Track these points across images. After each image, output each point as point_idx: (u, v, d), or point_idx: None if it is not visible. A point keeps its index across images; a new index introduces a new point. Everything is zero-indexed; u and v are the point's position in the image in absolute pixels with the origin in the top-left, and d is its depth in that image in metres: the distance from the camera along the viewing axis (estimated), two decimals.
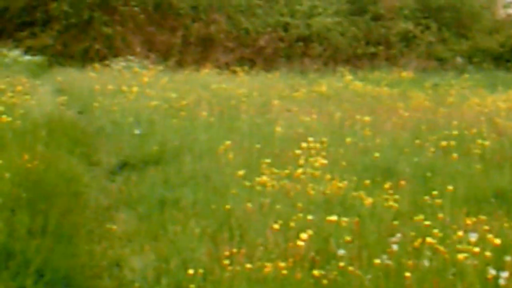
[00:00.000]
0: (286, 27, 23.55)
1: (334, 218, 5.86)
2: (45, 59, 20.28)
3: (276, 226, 5.79)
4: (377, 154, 8.81)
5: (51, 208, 6.31)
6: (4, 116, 8.58)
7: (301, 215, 6.15)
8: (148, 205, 7.02)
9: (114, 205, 7.24)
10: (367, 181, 7.43)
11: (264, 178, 7.55)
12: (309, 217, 6.06)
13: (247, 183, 7.33)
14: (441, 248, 5.26)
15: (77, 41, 21.61)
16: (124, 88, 13.68)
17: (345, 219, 5.94)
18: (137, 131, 10.36)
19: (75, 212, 6.61)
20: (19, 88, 11.66)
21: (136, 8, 22.32)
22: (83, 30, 21.79)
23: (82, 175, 7.88)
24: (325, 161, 8.00)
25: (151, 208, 6.91)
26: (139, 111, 11.79)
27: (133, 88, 13.58)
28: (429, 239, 5.33)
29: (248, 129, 10.75)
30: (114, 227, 6.39)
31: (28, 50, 21.01)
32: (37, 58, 20.06)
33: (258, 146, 9.04)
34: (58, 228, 5.91)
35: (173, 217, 6.41)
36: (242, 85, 16.23)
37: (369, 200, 6.73)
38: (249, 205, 6.47)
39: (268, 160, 8.10)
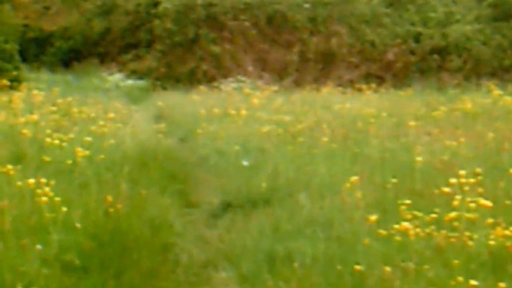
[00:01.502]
0: (418, 38, 22.27)
1: None
2: (149, 83, 19.76)
3: None
4: None
5: (130, 267, 5.29)
6: (82, 149, 7.69)
7: (460, 279, 4.86)
8: (254, 261, 5.90)
9: (212, 261, 6.16)
10: None
11: (404, 224, 6.28)
12: (472, 282, 4.83)
13: (382, 232, 6.15)
14: None
15: (183, 62, 21.04)
16: (232, 111, 12.76)
17: None
18: (244, 162, 9.40)
19: (161, 272, 5.56)
20: (111, 115, 10.91)
21: (246, 23, 21.56)
22: (188, 50, 21.20)
23: (175, 220, 6.83)
24: (487, 202, 6.55)
25: (258, 266, 5.78)
26: (248, 138, 10.88)
27: (241, 111, 12.65)
28: None
29: (379, 157, 9.51)
30: None
31: (131, 74, 20.64)
32: (140, 82, 19.58)
33: (393, 180, 7.74)
34: None
35: (285, 280, 5.21)
36: (369, 105, 15.20)
37: None
38: (388, 268, 5.17)
39: (408, 201, 6.78)
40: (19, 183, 5.85)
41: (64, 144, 8.04)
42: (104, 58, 21.52)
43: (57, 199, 5.51)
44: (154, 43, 21.43)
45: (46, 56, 21.54)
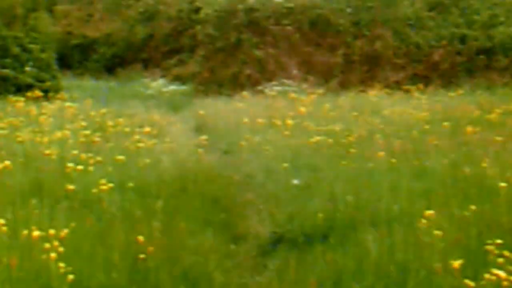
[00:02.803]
0: (463, 39, 20.69)
1: None
2: (191, 89, 18.30)
3: None
4: None
5: None
6: (111, 175, 6.19)
7: None
8: None
9: None
10: None
11: (496, 272, 4.80)
12: None
13: (470, 283, 4.73)
14: None
15: (225, 66, 19.57)
16: (277, 121, 11.20)
17: None
18: (295, 181, 7.88)
19: None
20: (147, 129, 9.42)
21: (289, 27, 20.00)
22: (231, 54, 19.71)
23: (216, 267, 5.27)
24: None
25: None
26: (296, 151, 9.33)
27: (288, 120, 11.08)
28: None
29: (447, 175, 7.93)
30: None
31: (174, 79, 19.25)
32: (183, 88, 18.11)
33: (472, 207, 6.14)
34: None
35: None
36: (420, 108, 13.72)
37: None
38: None
39: (498, 240, 5.23)
40: (25, 231, 4.34)
41: (91, 168, 6.54)
42: (147, 64, 20.21)
43: (64, 263, 3.97)
44: (197, 48, 20.01)
45: (89, 63, 20.30)
